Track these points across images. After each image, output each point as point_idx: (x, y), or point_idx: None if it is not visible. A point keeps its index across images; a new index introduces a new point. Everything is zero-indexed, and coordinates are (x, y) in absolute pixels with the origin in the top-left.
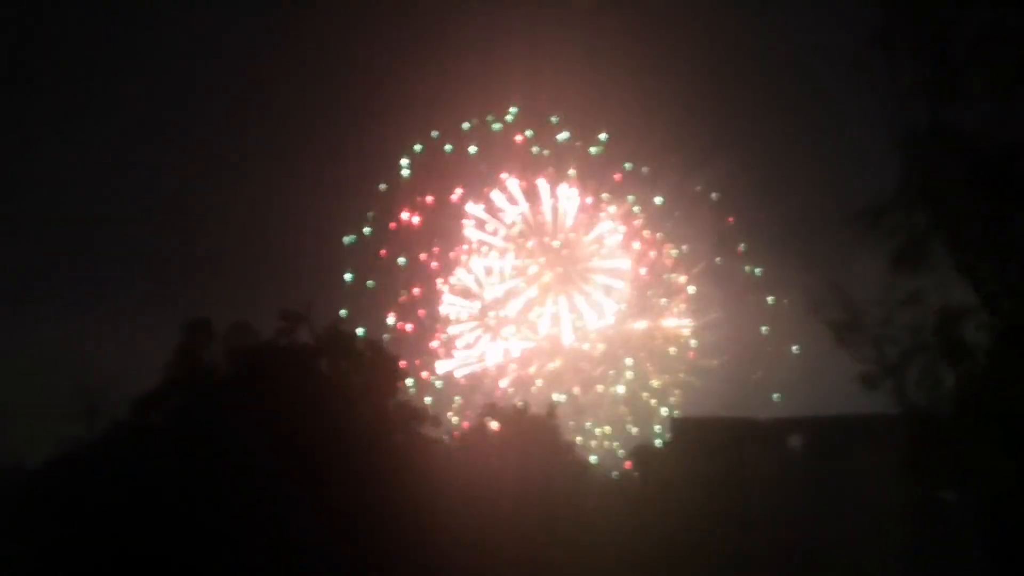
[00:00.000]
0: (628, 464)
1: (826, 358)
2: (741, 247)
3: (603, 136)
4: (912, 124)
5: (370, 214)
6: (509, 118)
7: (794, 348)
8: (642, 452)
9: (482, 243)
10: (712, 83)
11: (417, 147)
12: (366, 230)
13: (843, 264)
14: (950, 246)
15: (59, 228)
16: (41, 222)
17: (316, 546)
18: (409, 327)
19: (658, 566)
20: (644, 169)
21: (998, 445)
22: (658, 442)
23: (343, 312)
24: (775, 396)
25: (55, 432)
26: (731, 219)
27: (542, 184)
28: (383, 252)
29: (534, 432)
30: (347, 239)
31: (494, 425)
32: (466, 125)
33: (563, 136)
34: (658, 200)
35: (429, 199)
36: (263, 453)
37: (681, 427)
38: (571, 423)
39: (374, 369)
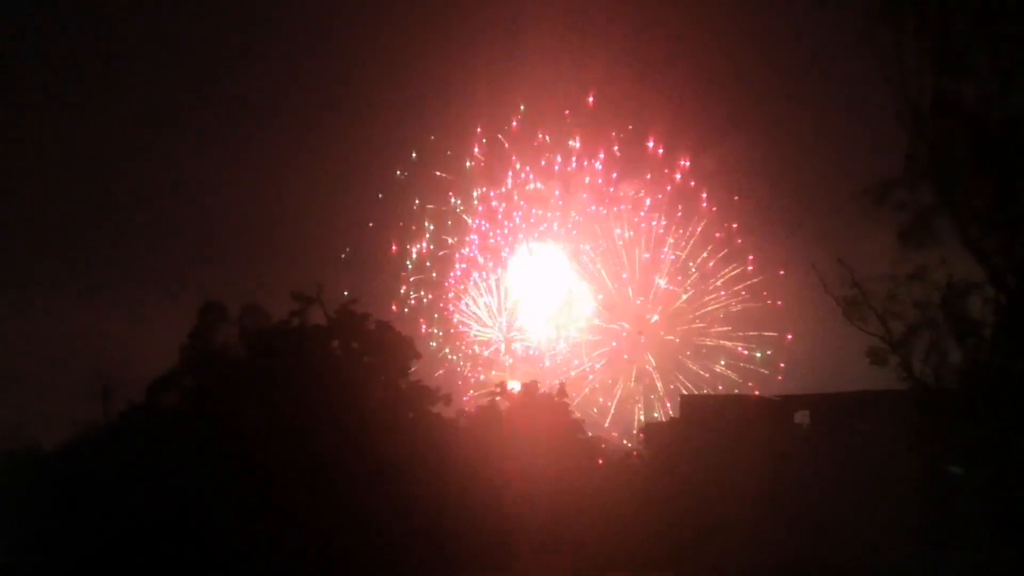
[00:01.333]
0: (637, 439)
1: (834, 334)
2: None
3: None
4: (917, 99)
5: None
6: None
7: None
8: (651, 428)
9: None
10: (721, 62)
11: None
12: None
13: (851, 240)
14: (956, 221)
15: (74, 212)
16: (56, 206)
17: (329, 524)
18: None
19: (666, 539)
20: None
21: (1005, 419)
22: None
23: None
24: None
25: (71, 414)
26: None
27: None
28: (394, 248)
29: (544, 410)
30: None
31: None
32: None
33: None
34: None
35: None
36: (276, 433)
37: (689, 404)
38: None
39: (385, 349)
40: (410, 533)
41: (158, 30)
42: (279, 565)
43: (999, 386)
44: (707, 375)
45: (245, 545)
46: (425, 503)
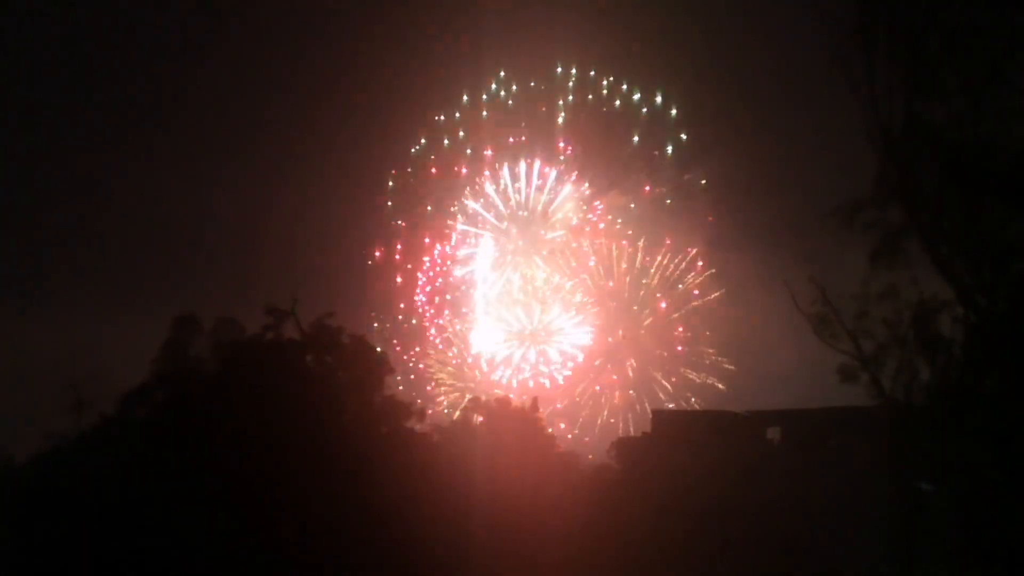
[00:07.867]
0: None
1: (806, 351)
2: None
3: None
4: (888, 121)
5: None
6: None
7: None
8: (623, 443)
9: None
10: (693, 80)
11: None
12: None
13: (825, 260)
14: (925, 241)
15: (49, 224)
16: (31, 219)
17: (301, 539)
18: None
19: (637, 555)
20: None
21: (973, 436)
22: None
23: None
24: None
25: (43, 427)
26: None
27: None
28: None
29: (517, 425)
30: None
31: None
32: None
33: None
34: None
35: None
36: (249, 447)
37: (661, 419)
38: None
39: (359, 364)
40: (381, 548)
41: (143, 37)
42: None
43: (968, 403)
44: (678, 388)
45: (217, 558)
46: (396, 517)
